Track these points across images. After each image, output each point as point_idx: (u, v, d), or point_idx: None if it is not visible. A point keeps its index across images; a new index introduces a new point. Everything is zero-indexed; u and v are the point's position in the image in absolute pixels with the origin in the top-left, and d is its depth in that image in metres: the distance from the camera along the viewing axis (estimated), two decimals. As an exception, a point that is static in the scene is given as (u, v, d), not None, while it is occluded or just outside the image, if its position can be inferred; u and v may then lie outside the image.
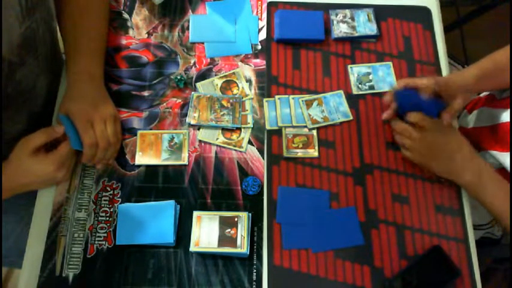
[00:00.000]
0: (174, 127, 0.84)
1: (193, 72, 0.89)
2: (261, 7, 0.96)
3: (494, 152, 0.83)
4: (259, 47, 0.92)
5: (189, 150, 0.82)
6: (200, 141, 0.83)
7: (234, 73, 0.89)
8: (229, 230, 0.73)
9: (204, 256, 0.74)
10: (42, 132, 0.72)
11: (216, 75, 0.89)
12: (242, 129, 0.84)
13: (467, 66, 0.82)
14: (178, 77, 0.87)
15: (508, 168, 0.80)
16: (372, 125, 0.85)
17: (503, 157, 0.81)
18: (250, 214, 0.75)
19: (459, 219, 0.79)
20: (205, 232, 0.72)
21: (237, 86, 0.88)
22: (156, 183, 0.79)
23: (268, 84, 0.88)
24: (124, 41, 0.91)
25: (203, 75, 0.89)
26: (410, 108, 0.77)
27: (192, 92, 0.86)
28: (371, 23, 0.93)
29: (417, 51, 0.92)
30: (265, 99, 0.87)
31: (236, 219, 0.73)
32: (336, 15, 0.94)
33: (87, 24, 0.81)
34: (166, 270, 0.74)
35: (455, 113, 0.77)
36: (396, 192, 0.80)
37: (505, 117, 0.82)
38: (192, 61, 0.90)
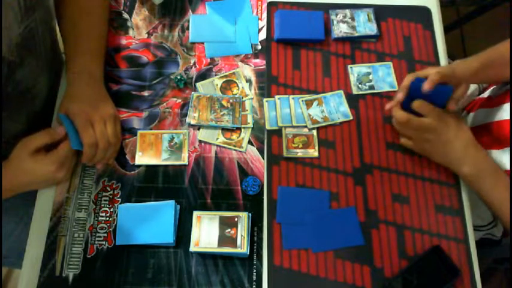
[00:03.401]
0: (174, 127, 0.84)
1: (193, 72, 0.89)
2: (261, 7, 0.96)
3: (491, 151, 0.83)
4: (259, 47, 0.92)
5: (189, 150, 0.82)
6: (200, 141, 0.83)
7: (234, 73, 0.89)
8: (229, 230, 0.73)
9: (204, 256, 0.74)
10: (43, 134, 0.73)
11: (216, 75, 0.89)
12: (242, 129, 0.84)
13: (471, 56, 0.81)
14: (178, 77, 0.87)
15: (505, 167, 0.80)
16: (371, 125, 0.85)
17: (500, 155, 0.81)
18: (250, 214, 0.75)
19: (459, 219, 0.79)
20: (205, 232, 0.72)
21: (237, 86, 0.88)
22: (156, 183, 0.79)
23: (268, 84, 0.88)
24: (124, 41, 0.91)
25: (203, 75, 0.89)
26: (419, 98, 0.76)
27: (192, 92, 0.86)
28: (371, 23, 0.93)
29: (417, 51, 0.92)
30: (265, 99, 0.87)
31: (236, 219, 0.73)
32: (336, 15, 0.94)
33: (87, 24, 0.81)
34: (167, 270, 0.74)
35: (458, 99, 0.77)
36: (396, 192, 0.80)
37: (500, 114, 0.81)
38: (192, 61, 0.90)
